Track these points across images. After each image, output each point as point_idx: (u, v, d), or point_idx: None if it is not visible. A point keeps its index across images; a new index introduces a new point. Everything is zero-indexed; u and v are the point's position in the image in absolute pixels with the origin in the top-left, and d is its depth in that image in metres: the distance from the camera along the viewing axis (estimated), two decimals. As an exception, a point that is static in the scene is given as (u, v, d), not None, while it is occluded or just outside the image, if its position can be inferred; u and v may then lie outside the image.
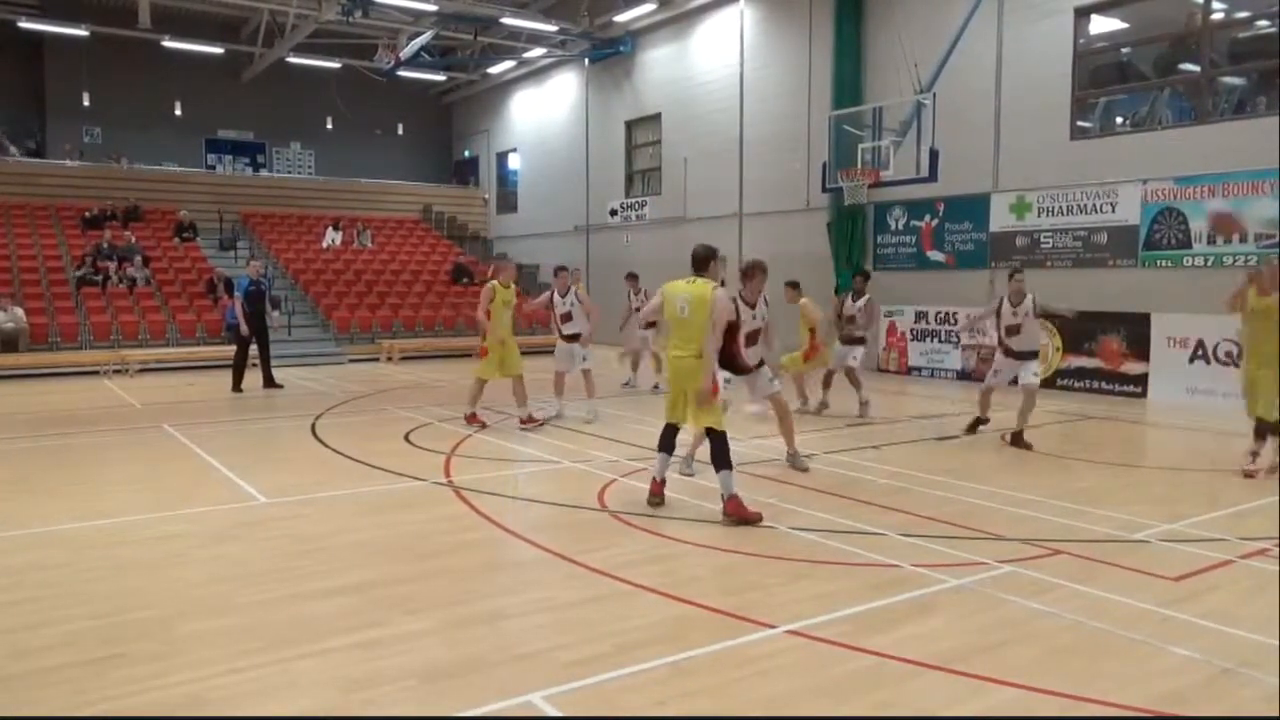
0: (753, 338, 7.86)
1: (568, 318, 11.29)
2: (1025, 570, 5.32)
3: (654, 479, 6.93)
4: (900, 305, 16.85)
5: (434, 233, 28.78)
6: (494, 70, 27.84)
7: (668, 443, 6.92)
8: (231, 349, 15.16)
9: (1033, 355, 9.63)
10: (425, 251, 26.90)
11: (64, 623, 4.53)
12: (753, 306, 7.86)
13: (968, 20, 15.46)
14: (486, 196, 30.83)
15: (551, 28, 23.23)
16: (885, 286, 17.43)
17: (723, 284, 6.81)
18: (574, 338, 11.30)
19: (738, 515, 6.35)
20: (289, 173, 29.59)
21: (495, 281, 10.68)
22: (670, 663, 4.02)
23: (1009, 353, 9.66)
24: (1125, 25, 14.50)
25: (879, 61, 17.13)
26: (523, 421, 10.57)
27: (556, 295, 11.35)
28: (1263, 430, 7.92)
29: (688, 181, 21.67)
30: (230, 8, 23.64)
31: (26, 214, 22.92)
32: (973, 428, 10.08)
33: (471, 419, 10.72)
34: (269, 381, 14.89)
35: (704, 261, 6.72)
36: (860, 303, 11.69)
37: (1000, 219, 15.49)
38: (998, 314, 9.65)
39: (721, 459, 6.44)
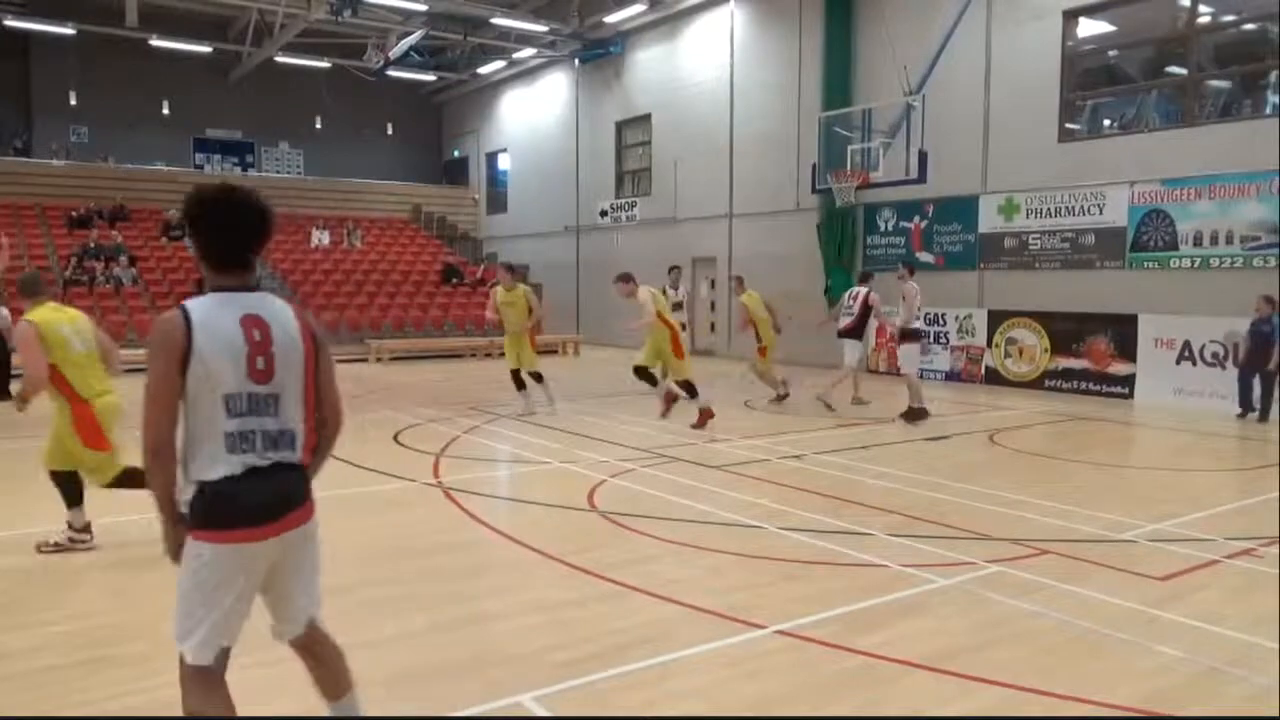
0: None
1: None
2: (1013, 570, 5.34)
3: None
4: (891, 306, 16.83)
5: (423, 233, 28.72)
6: (484, 70, 27.79)
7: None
8: None
9: None
10: (415, 252, 26.83)
11: (50, 624, 4.51)
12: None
13: (957, 22, 15.53)
14: (476, 197, 30.77)
15: (541, 28, 23.20)
16: (875, 287, 17.48)
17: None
18: (915, 335, 11.72)
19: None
20: (278, 172, 29.46)
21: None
22: (660, 663, 4.02)
23: None
24: (1113, 28, 14.58)
25: (869, 63, 17.19)
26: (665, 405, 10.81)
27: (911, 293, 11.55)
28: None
29: (678, 182, 21.67)
30: (218, 6, 23.51)
31: (12, 214, 22.75)
32: None
33: (701, 421, 10.30)
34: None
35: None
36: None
37: (989, 220, 15.56)
38: None
39: None
